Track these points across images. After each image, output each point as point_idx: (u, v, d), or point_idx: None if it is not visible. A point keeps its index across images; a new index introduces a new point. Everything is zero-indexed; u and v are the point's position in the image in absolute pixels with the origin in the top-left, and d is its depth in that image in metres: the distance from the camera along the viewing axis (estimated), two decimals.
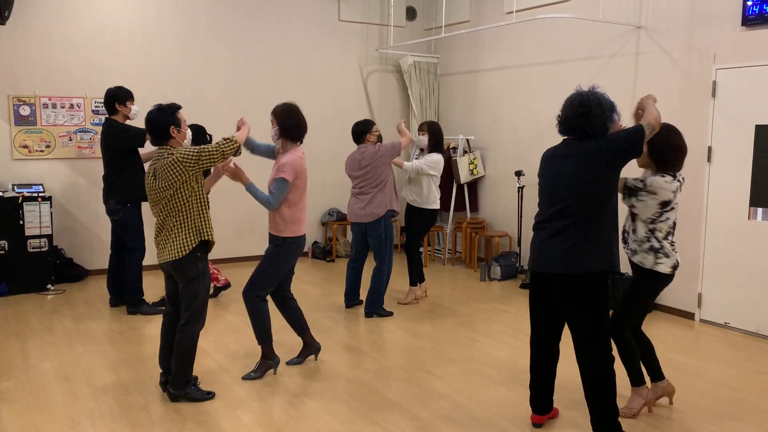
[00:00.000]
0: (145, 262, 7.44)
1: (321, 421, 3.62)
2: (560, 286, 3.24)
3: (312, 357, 4.57)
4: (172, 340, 3.86)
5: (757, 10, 5.06)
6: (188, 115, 6.85)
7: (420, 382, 4.21)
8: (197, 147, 3.68)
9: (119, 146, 5.56)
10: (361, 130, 5.59)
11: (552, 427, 3.60)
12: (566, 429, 3.57)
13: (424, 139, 6.01)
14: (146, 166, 5.80)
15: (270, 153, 4.40)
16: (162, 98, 7.12)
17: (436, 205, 6.06)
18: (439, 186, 6.06)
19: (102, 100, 6.95)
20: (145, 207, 5.83)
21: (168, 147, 3.72)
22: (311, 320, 5.48)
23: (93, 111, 6.92)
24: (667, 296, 5.89)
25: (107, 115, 5.73)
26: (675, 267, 3.55)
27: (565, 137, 3.36)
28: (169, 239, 3.72)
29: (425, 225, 6.09)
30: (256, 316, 4.20)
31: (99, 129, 6.94)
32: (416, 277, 6.14)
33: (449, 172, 7.88)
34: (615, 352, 3.52)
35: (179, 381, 3.82)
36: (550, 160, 3.37)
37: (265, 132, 7.03)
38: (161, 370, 3.98)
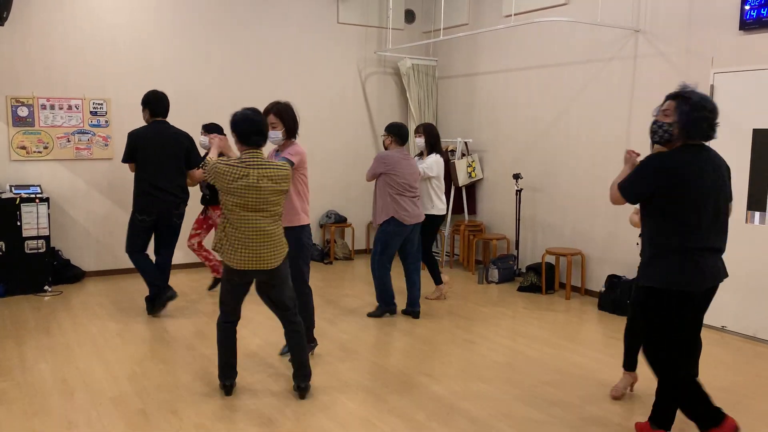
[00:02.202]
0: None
1: (318, 423, 3.62)
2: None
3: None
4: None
5: (754, 14, 5.08)
6: (187, 118, 6.92)
7: (417, 384, 4.21)
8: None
9: (185, 152, 5.57)
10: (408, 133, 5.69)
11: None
12: None
13: (421, 142, 6.02)
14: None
15: None
16: None
17: (436, 211, 6.06)
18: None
19: (101, 101, 6.98)
20: None
21: (260, 152, 3.73)
22: None
23: (91, 112, 6.92)
24: None
25: (161, 118, 5.61)
26: None
27: (689, 144, 3.13)
28: (276, 246, 3.77)
29: (426, 232, 6.05)
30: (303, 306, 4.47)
31: (97, 130, 6.95)
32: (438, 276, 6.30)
33: (448, 175, 7.89)
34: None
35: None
36: (702, 168, 3.09)
37: None
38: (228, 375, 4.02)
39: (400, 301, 6.01)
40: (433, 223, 6.10)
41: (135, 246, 5.57)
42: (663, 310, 3.16)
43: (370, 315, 5.67)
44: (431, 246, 6.24)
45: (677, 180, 3.04)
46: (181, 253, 7.14)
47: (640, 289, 3.39)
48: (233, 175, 3.62)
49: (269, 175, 3.68)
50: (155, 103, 5.55)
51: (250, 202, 3.65)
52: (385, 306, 5.66)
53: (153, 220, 5.52)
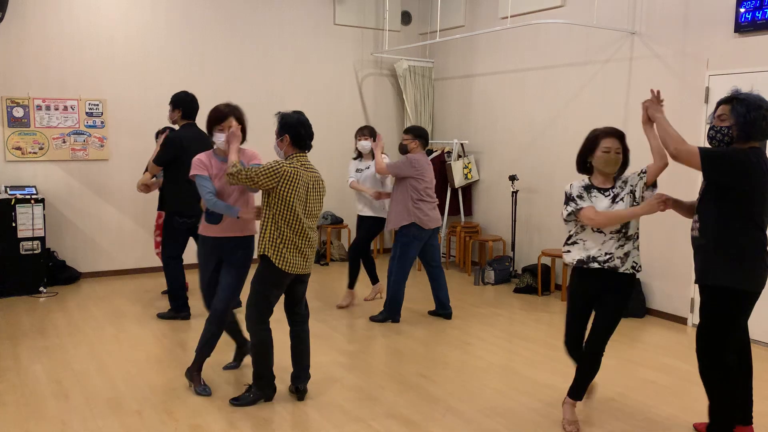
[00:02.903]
0: (143, 264, 7.44)
1: (315, 425, 3.62)
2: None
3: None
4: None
5: (749, 17, 5.10)
6: None
7: (414, 385, 4.21)
8: None
9: None
10: None
11: None
12: None
13: (367, 145, 5.87)
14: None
15: None
16: (157, 101, 7.12)
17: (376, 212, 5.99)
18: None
19: (96, 102, 6.96)
20: None
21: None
22: None
23: (87, 113, 6.90)
24: (660, 301, 5.91)
25: (192, 121, 5.50)
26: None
27: (753, 146, 3.13)
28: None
29: (373, 232, 6.02)
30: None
31: (93, 131, 6.94)
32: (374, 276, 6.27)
33: (443, 177, 7.90)
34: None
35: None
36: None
37: (258, 137, 7.04)
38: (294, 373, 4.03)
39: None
40: (380, 225, 5.99)
41: (177, 250, 5.46)
42: (733, 310, 3.16)
43: (372, 319, 5.65)
44: (369, 246, 6.14)
45: (761, 176, 3.06)
46: None
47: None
48: (302, 179, 3.62)
49: (320, 179, 3.77)
50: (189, 105, 5.45)
51: (310, 207, 3.70)
52: (390, 313, 5.62)
53: (192, 222, 5.41)
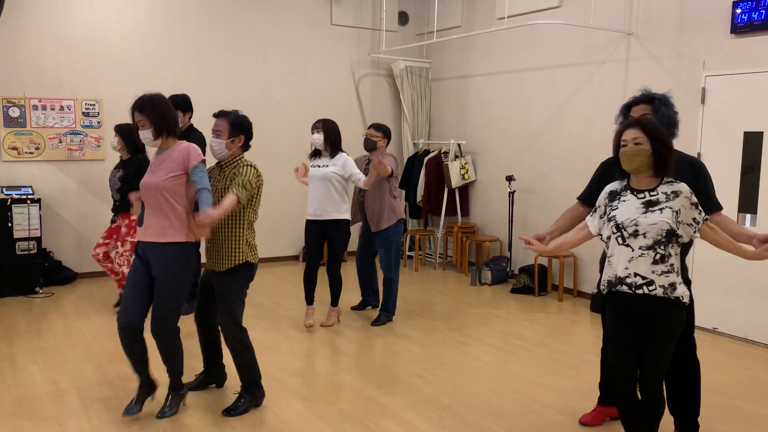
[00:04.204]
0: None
1: (311, 426, 3.61)
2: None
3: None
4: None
5: (745, 18, 5.11)
6: None
7: (410, 386, 4.21)
8: None
9: None
10: None
11: None
12: None
13: (320, 138, 5.21)
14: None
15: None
16: None
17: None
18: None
19: (93, 102, 6.95)
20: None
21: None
22: (302, 324, 5.48)
23: (83, 113, 6.89)
24: None
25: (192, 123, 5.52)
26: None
27: None
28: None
29: (345, 239, 5.44)
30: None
31: (89, 131, 6.93)
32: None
33: (440, 177, 7.90)
34: None
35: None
36: None
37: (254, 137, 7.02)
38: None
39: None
40: (348, 229, 5.48)
41: None
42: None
43: (375, 324, 5.64)
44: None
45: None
46: None
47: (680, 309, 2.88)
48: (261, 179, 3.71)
49: None
50: (191, 107, 5.55)
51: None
52: (392, 313, 5.71)
53: None
